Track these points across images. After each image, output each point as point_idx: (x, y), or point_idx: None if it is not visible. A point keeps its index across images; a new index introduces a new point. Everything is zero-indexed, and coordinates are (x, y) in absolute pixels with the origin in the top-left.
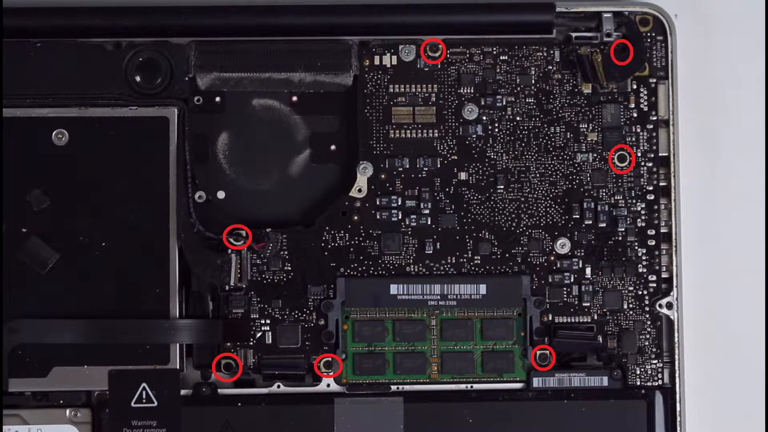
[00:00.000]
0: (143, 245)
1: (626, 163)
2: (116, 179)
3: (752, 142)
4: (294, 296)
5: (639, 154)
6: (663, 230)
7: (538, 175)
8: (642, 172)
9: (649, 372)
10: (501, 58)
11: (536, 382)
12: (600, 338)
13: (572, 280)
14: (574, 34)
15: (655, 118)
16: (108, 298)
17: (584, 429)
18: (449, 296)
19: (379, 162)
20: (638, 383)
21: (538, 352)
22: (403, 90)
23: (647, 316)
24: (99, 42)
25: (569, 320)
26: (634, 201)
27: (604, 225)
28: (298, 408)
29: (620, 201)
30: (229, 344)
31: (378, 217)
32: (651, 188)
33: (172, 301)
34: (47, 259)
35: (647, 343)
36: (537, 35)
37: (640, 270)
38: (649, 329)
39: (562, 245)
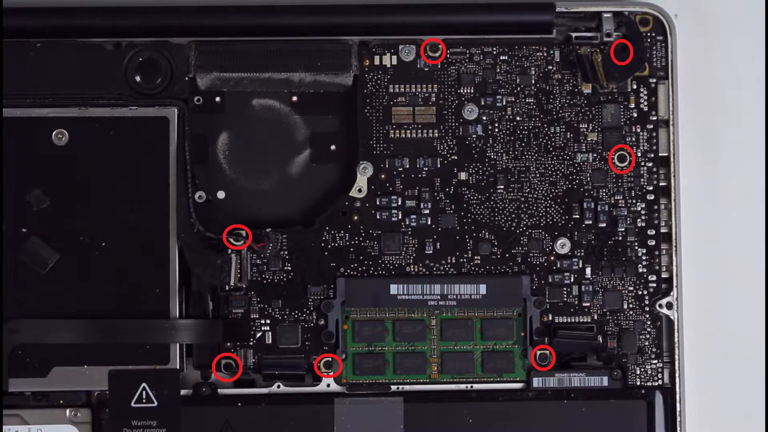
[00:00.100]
0: (143, 245)
1: (626, 163)
2: (116, 179)
3: (752, 142)
4: (294, 296)
5: (639, 154)
6: (663, 230)
7: (538, 175)
8: (642, 172)
9: (649, 372)
10: (501, 58)
11: (536, 382)
12: (600, 338)
13: (572, 280)
14: (574, 34)
15: (655, 118)
16: (108, 298)
17: (584, 429)
18: (449, 296)
19: (379, 162)
20: (638, 383)
21: (538, 352)
22: (403, 90)
23: (647, 316)
24: (99, 42)
25: (569, 320)
26: (634, 201)
27: (604, 225)
28: (298, 408)
29: (620, 201)
30: (229, 344)
31: (378, 217)
32: (651, 188)
33: (172, 301)
34: (47, 259)
35: (647, 343)
36: (537, 35)
37: (640, 270)
38: (649, 329)
39: (562, 245)
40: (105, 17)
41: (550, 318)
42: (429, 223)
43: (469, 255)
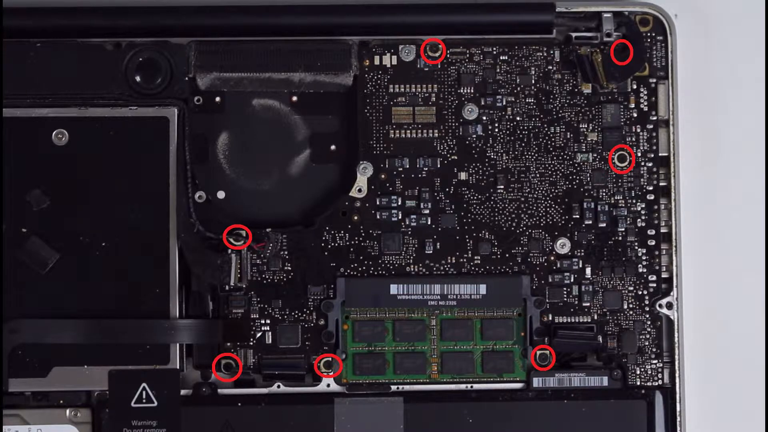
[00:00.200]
0: (143, 245)
1: (626, 163)
2: (116, 179)
3: (752, 142)
4: (294, 296)
5: (639, 154)
6: (663, 230)
7: (538, 175)
8: (642, 172)
9: (649, 372)
10: (501, 58)
11: (536, 382)
12: (600, 338)
13: (572, 280)
14: (574, 34)
15: (655, 118)
16: (108, 298)
17: (584, 429)
18: (449, 296)
19: (379, 162)
20: (638, 383)
21: (538, 352)
22: (403, 90)
23: (647, 316)
24: (99, 42)
25: (569, 320)
26: (634, 201)
27: (604, 225)
28: (298, 408)
29: (620, 201)
30: (229, 344)
31: (378, 217)
32: (651, 188)
33: (172, 301)
34: (47, 259)
35: (647, 343)
36: (537, 35)
37: (640, 270)
38: (649, 329)
39: (562, 245)
40: (105, 17)
41: (550, 318)
42: (429, 223)
43: (469, 255)
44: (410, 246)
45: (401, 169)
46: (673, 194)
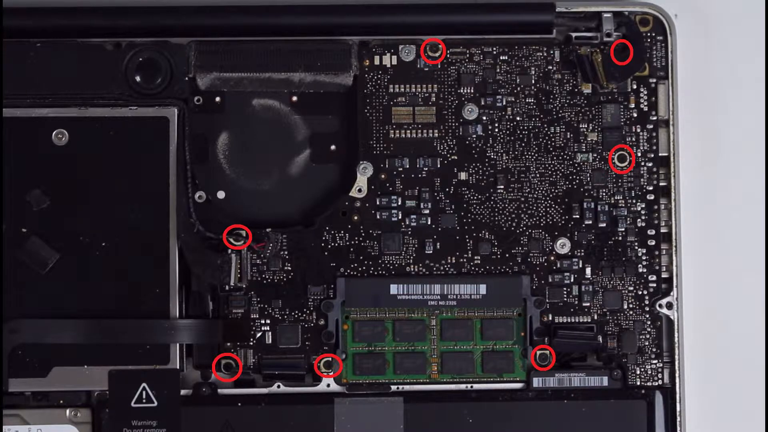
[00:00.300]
0: (143, 245)
1: (626, 163)
2: (116, 179)
3: (752, 142)
4: (294, 296)
5: (639, 154)
6: (663, 230)
7: (538, 175)
8: (642, 172)
9: (649, 372)
10: (501, 58)
11: (536, 382)
12: (600, 338)
13: (572, 280)
14: (574, 34)
15: (655, 118)
16: (108, 298)
17: (584, 429)
18: (449, 296)
19: (379, 162)
20: (638, 383)
21: (538, 352)
22: (403, 90)
23: (647, 316)
24: (99, 42)
25: (569, 320)
26: (634, 201)
27: (604, 225)
28: (298, 408)
29: (620, 201)
30: (229, 344)
31: (378, 217)
32: (651, 188)
33: (172, 301)
34: (47, 259)
35: (647, 343)
36: (537, 35)
37: (640, 270)
38: (649, 329)
39: (562, 245)
40: (105, 17)
41: (550, 318)
42: (429, 223)
43: (469, 255)
44: (410, 246)
45: (401, 169)
46: (673, 194)
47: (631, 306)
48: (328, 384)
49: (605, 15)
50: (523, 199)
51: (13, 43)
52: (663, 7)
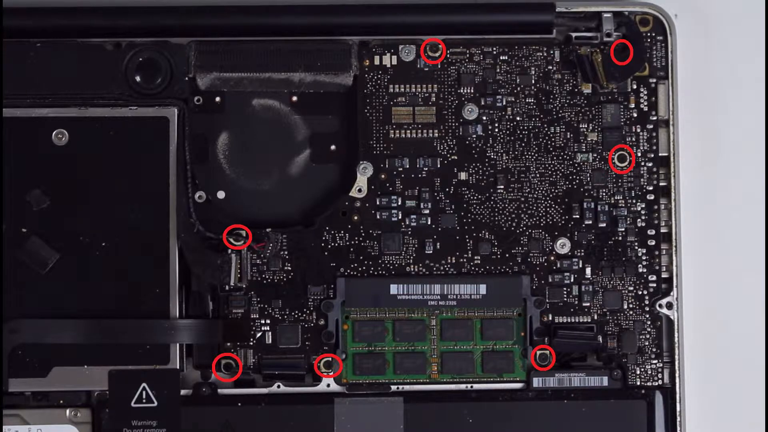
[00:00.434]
0: (143, 245)
1: (626, 163)
2: (116, 179)
3: (752, 142)
4: (294, 296)
5: (639, 154)
6: (663, 230)
7: (538, 175)
8: (642, 172)
9: (649, 372)
10: (501, 58)
11: (536, 382)
12: (600, 338)
13: (572, 280)
14: (574, 34)
15: (655, 118)
16: (108, 298)
17: (584, 429)
18: (449, 296)
19: (379, 162)
20: (638, 383)
21: (538, 352)
22: (403, 90)
23: (647, 316)
24: (99, 42)
25: (569, 320)
26: (634, 201)
27: (604, 225)
28: (298, 408)
29: (620, 201)
30: (229, 344)
31: (378, 217)
32: (651, 188)
33: (172, 301)
34: (47, 259)
35: (647, 343)
36: (537, 35)
37: (640, 270)
38: (649, 329)
39: (562, 245)
40: (105, 17)
41: (550, 318)
42: (429, 223)
43: (469, 255)
44: (410, 246)
45: (401, 169)
46: (673, 194)
47: (631, 306)
48: (328, 384)
49: (605, 15)
50: (523, 199)
51: (13, 43)
52: (663, 7)
